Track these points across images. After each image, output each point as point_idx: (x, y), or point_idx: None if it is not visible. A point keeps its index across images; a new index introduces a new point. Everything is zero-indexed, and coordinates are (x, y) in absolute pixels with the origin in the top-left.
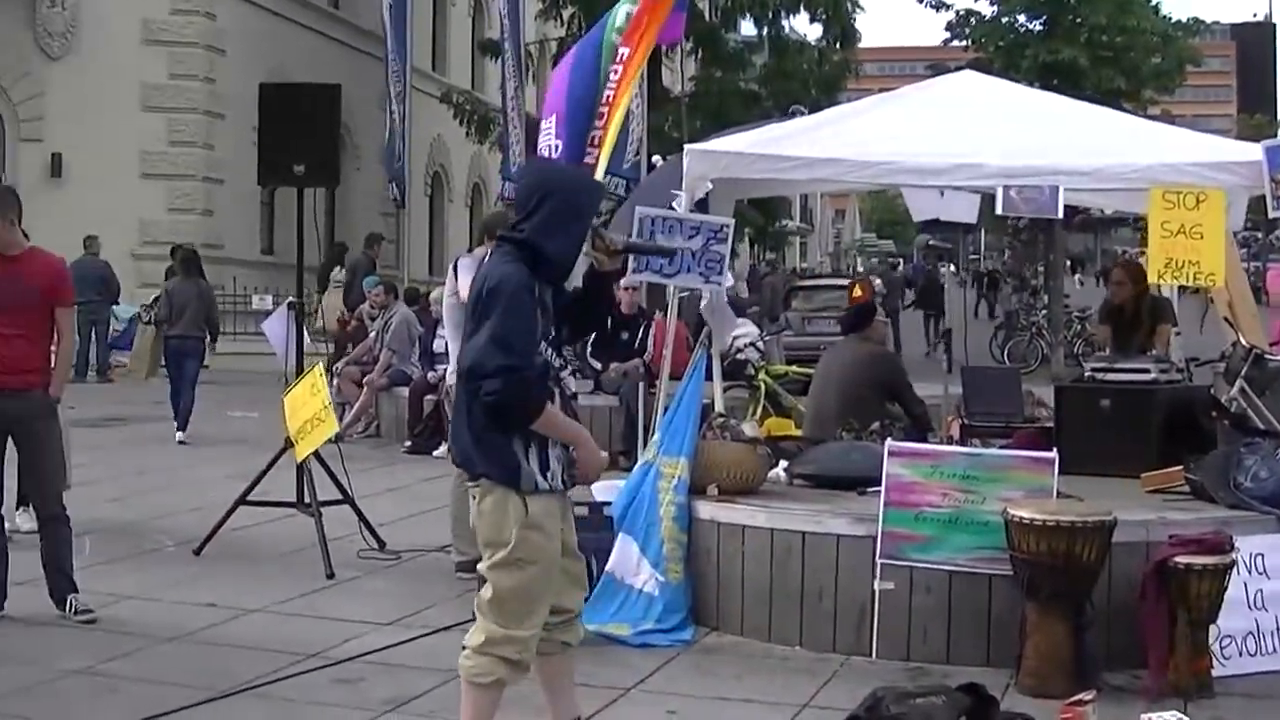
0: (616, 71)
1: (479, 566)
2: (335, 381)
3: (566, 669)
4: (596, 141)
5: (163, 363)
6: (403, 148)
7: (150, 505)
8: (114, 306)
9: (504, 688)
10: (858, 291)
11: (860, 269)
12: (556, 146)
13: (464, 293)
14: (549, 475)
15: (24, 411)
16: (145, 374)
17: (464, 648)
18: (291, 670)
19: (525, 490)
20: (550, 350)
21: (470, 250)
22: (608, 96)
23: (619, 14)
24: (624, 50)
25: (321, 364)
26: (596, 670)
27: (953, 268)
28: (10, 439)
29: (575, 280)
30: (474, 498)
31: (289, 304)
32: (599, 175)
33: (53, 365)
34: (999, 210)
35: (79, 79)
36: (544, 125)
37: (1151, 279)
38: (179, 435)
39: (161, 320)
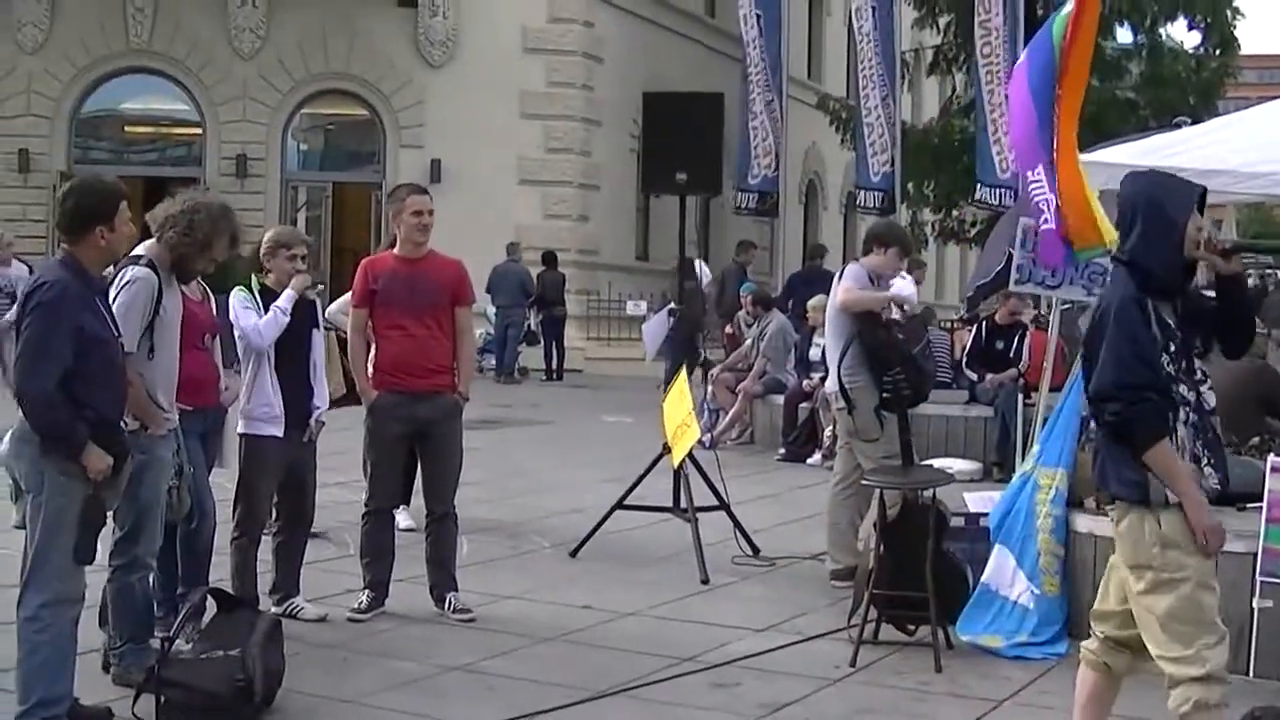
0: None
1: (1131, 588)
2: (710, 388)
3: (1099, 690)
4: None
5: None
6: (782, 155)
7: (525, 507)
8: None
9: (1223, 706)
10: None
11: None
12: (1051, 200)
13: (842, 296)
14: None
15: (434, 413)
16: None
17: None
18: (667, 673)
19: (1155, 504)
20: (1174, 362)
21: (858, 259)
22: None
23: (1056, 28)
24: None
25: (685, 370)
26: (970, 681)
27: None
28: (415, 441)
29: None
30: (1112, 520)
31: (669, 310)
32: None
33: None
34: None
35: (459, 87)
36: (1031, 177)
37: None
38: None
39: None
